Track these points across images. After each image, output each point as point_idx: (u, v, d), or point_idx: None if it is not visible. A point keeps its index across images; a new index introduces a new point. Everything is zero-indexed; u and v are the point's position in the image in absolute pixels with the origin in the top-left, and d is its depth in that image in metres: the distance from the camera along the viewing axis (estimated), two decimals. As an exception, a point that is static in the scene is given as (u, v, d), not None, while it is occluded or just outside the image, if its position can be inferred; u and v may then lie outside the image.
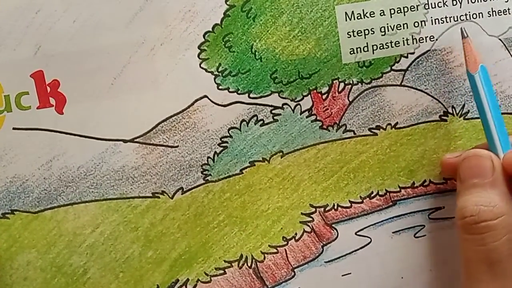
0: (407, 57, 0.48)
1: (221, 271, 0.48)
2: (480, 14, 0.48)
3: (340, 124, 0.48)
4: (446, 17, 0.48)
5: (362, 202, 0.49)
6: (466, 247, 0.43)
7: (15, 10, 0.44)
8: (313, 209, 0.48)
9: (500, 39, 0.48)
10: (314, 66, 0.47)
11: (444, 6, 0.48)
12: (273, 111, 0.47)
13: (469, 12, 0.48)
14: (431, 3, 0.47)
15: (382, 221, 0.49)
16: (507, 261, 0.41)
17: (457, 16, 0.48)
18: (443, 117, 0.49)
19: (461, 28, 0.47)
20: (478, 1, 0.48)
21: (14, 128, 0.45)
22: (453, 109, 0.49)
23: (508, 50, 0.49)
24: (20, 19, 0.44)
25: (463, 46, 0.47)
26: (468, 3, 0.48)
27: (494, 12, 0.48)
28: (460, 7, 0.48)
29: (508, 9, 0.48)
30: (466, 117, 0.49)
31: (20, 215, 0.46)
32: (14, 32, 0.44)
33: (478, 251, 0.42)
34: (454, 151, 0.49)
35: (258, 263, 0.48)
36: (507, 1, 0.48)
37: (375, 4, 0.47)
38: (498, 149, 0.45)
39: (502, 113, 0.49)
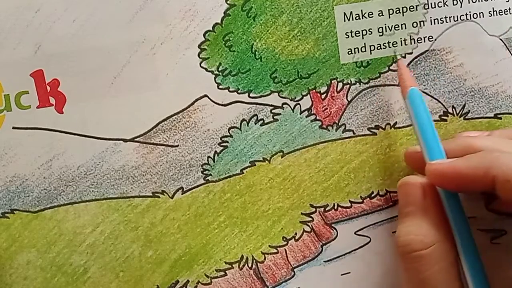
0: (405, 57, 0.48)
1: (222, 273, 0.48)
2: (481, 14, 0.48)
3: (340, 124, 0.48)
4: (446, 17, 0.48)
5: (362, 202, 0.49)
6: (405, 276, 0.42)
7: (15, 9, 0.44)
8: (313, 209, 0.48)
9: (500, 39, 0.48)
10: (313, 66, 0.47)
11: (444, 6, 0.48)
12: (273, 111, 0.47)
13: (470, 12, 0.48)
14: (431, 3, 0.47)
15: (382, 221, 0.49)
16: None
17: (457, 16, 0.48)
18: (443, 117, 0.49)
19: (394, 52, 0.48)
20: (478, 1, 0.48)
21: (14, 128, 0.45)
22: (453, 109, 0.49)
23: (508, 50, 0.49)
24: (20, 19, 0.44)
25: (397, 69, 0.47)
26: (468, 2, 0.48)
27: (495, 12, 0.48)
28: (461, 7, 0.48)
29: (509, 8, 0.48)
30: (467, 117, 0.49)
31: (20, 215, 0.46)
32: (14, 31, 0.44)
33: (414, 282, 0.41)
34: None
35: (258, 263, 0.48)
36: (508, 1, 0.48)
37: (374, 4, 0.47)
38: (426, 159, 0.44)
39: (503, 113, 0.49)
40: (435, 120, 0.49)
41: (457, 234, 0.42)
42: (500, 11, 0.48)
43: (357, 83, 0.48)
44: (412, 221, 0.42)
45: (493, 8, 0.48)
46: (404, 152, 0.47)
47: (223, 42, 0.46)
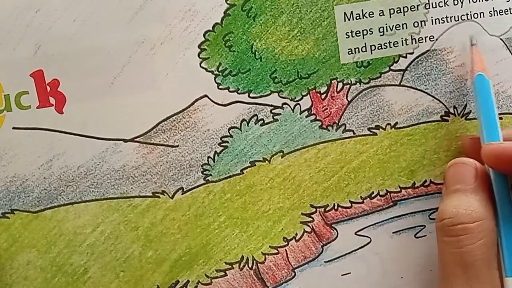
0: (406, 57, 0.48)
1: (222, 273, 0.48)
2: (482, 14, 0.48)
3: (340, 124, 0.48)
4: (446, 17, 0.48)
5: (362, 202, 0.49)
6: (443, 249, 0.43)
7: (15, 9, 0.44)
8: (314, 209, 0.48)
9: (501, 39, 0.48)
10: (313, 66, 0.47)
11: (445, 5, 0.47)
12: (273, 111, 0.47)
13: (470, 11, 0.48)
14: (432, 3, 0.47)
15: (382, 221, 0.49)
16: (481, 265, 0.42)
17: (458, 16, 0.48)
18: (444, 117, 0.49)
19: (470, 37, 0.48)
20: (479, 1, 0.48)
21: (14, 128, 0.45)
22: (455, 109, 0.49)
23: (509, 50, 0.48)
24: (20, 19, 0.44)
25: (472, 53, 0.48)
26: (469, 2, 0.48)
27: (495, 12, 0.48)
28: (461, 7, 0.48)
29: (510, 8, 0.48)
30: (468, 117, 0.49)
31: (20, 215, 0.46)
32: (14, 31, 0.44)
33: (454, 254, 0.42)
34: (455, 151, 0.49)
35: (259, 264, 0.48)
36: (509, 1, 0.48)
37: (374, 4, 0.47)
38: (483, 141, 0.45)
39: (504, 113, 0.49)
40: (436, 121, 0.49)
41: (501, 215, 0.43)
42: (501, 11, 0.48)
43: (358, 83, 0.48)
44: (462, 197, 0.43)
45: (493, 8, 0.48)
46: (464, 137, 0.49)
47: (223, 42, 0.46)
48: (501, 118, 0.48)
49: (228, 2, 0.46)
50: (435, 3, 0.47)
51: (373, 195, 0.49)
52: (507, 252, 0.42)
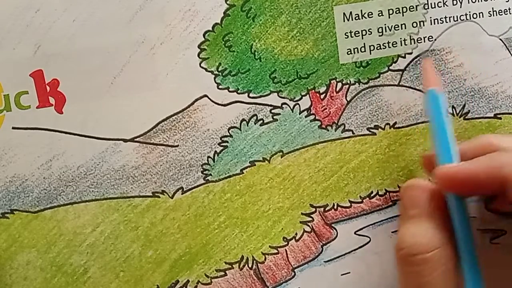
0: (404, 57, 0.48)
1: (222, 273, 0.48)
2: (481, 14, 0.48)
3: (339, 124, 0.48)
4: (445, 17, 0.48)
5: (361, 202, 0.49)
6: (403, 280, 0.41)
7: (15, 9, 0.44)
8: (313, 209, 0.48)
9: (500, 39, 0.48)
10: (312, 66, 0.47)
11: (444, 6, 0.48)
12: (272, 111, 0.47)
13: (470, 12, 0.48)
14: (431, 3, 0.47)
15: (381, 220, 0.49)
16: None
17: (457, 16, 0.48)
18: (443, 117, 0.49)
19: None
20: (478, 1, 0.48)
21: (13, 128, 0.45)
22: (453, 109, 0.49)
23: (508, 50, 0.49)
24: (20, 19, 0.44)
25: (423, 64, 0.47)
26: (468, 3, 0.48)
27: (494, 12, 0.48)
28: (460, 7, 0.48)
29: (509, 8, 0.48)
30: (467, 117, 0.49)
31: (19, 215, 0.46)
32: (14, 31, 0.44)
33: (414, 285, 0.40)
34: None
35: (258, 264, 0.48)
36: (508, 1, 0.48)
37: (373, 4, 0.47)
38: (437, 162, 0.43)
39: (503, 113, 0.49)
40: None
41: (461, 239, 0.41)
42: (500, 11, 0.48)
43: (357, 83, 0.48)
44: (417, 223, 0.42)
45: (492, 8, 0.48)
46: (421, 156, 0.47)
47: (223, 42, 0.46)
48: (500, 118, 0.49)
49: (227, 2, 0.46)
50: (434, 3, 0.47)
51: (372, 195, 0.49)
52: (468, 277, 0.40)
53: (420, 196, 0.42)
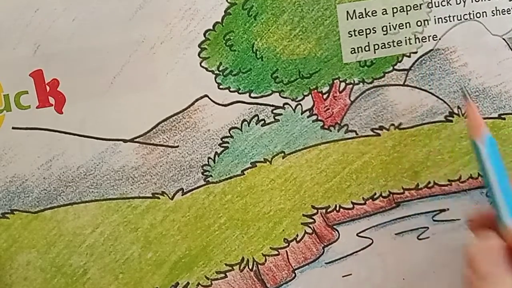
0: (409, 56, 0.47)
1: (222, 275, 0.48)
2: (484, 13, 0.47)
3: (342, 124, 0.48)
4: (449, 16, 0.47)
5: (364, 204, 0.48)
6: None
7: (15, 9, 0.44)
8: (315, 211, 0.48)
9: (503, 39, 0.48)
10: (315, 66, 0.47)
11: (447, 5, 0.47)
12: (274, 111, 0.47)
13: (473, 11, 0.47)
14: (435, 2, 0.47)
15: (384, 222, 0.48)
16: None
17: (460, 15, 0.47)
18: (448, 118, 0.48)
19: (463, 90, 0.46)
20: (482, 0, 0.47)
21: (13, 128, 0.45)
22: (459, 110, 0.48)
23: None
24: (20, 18, 0.44)
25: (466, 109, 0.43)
26: (472, 2, 0.47)
27: (498, 11, 0.47)
28: (464, 6, 0.47)
29: (513, 8, 0.48)
30: (471, 118, 0.48)
31: (19, 215, 0.46)
32: (14, 31, 0.44)
33: None
34: (459, 152, 0.48)
35: (259, 265, 0.48)
36: (511, 1, 0.47)
37: (377, 3, 0.47)
38: (503, 218, 0.39)
39: (506, 114, 0.48)
40: (440, 121, 0.48)
41: None
42: (503, 11, 0.47)
43: (361, 83, 0.47)
44: (499, 281, 0.37)
45: (496, 8, 0.47)
46: (468, 218, 0.42)
47: (224, 41, 0.46)
48: (504, 119, 0.48)
49: (228, 0, 0.45)
50: (438, 2, 0.47)
51: (375, 197, 0.48)
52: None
53: (497, 253, 0.37)
